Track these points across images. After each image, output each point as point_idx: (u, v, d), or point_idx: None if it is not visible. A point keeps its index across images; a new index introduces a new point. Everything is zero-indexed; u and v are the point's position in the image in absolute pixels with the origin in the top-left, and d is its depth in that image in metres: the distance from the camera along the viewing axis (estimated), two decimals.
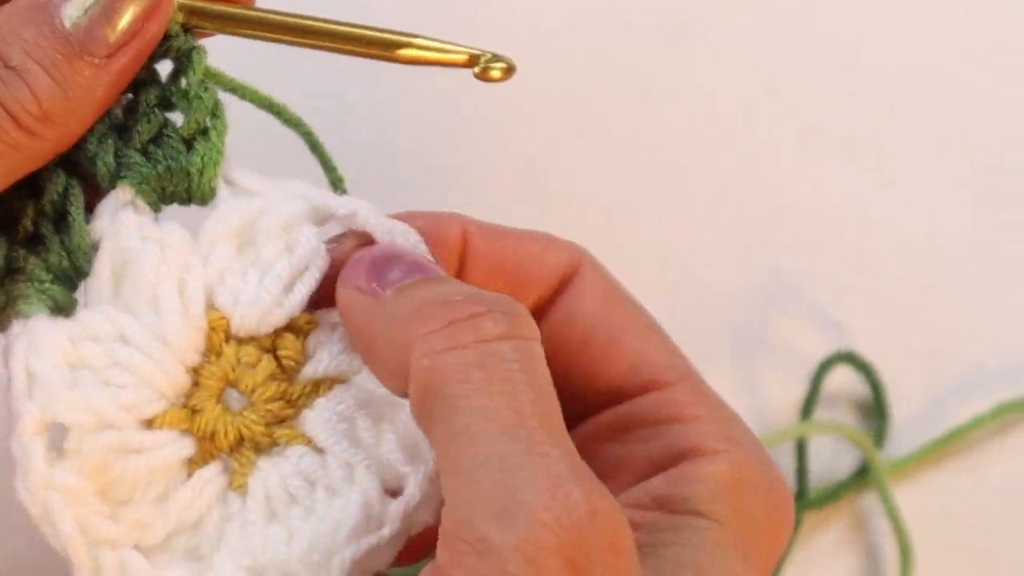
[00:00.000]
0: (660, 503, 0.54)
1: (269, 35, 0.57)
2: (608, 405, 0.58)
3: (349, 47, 0.57)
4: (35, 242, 0.56)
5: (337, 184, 0.59)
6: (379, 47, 0.57)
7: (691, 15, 0.83)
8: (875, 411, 0.77)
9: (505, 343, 0.50)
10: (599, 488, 0.48)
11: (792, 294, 0.79)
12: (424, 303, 0.51)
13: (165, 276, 0.55)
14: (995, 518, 0.76)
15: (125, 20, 0.54)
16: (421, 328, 0.50)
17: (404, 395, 0.51)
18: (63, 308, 0.56)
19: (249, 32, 0.57)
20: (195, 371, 0.55)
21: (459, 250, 0.58)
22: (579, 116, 0.81)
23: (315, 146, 0.59)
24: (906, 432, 0.77)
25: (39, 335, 0.54)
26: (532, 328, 0.51)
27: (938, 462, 0.76)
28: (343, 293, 0.54)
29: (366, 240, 0.56)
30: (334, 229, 0.58)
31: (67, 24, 0.54)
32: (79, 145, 0.56)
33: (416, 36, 0.57)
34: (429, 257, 0.55)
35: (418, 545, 0.55)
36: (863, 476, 0.76)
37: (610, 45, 0.83)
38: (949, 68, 0.83)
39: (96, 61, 0.54)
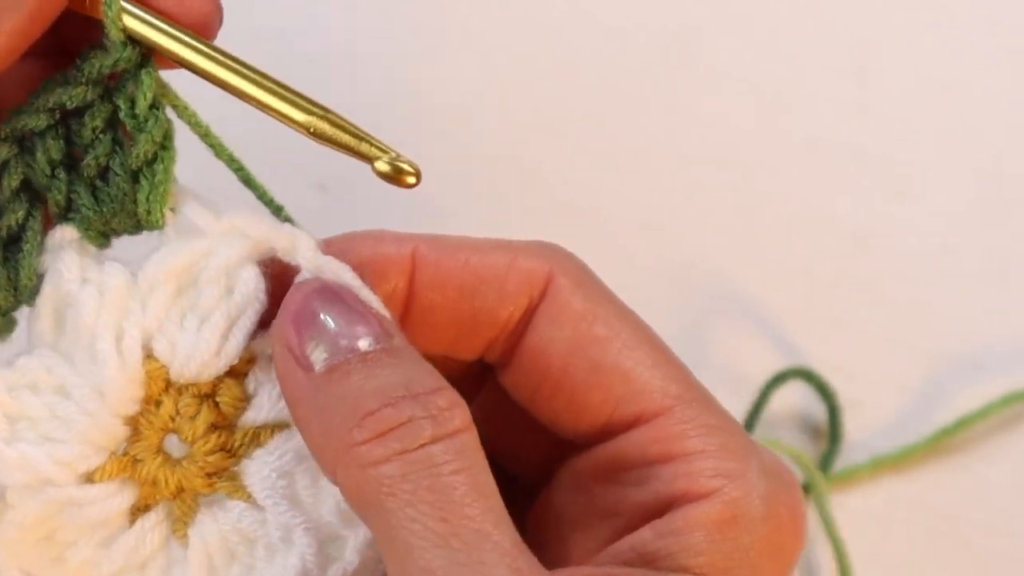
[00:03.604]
0: (647, 559, 0.51)
1: (192, 65, 0.54)
2: (599, 440, 0.55)
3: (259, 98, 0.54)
4: None
5: (278, 214, 0.57)
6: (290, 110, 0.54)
7: (700, 25, 0.82)
8: (829, 430, 0.76)
9: (435, 446, 0.49)
10: None
11: (804, 305, 0.78)
12: (352, 405, 0.50)
13: (103, 324, 0.54)
14: (943, 527, 0.76)
15: None
16: (347, 437, 0.49)
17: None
18: (2, 333, 0.55)
19: (175, 54, 0.55)
20: (134, 420, 0.54)
21: (407, 278, 0.55)
22: (585, 126, 0.80)
23: (249, 181, 0.57)
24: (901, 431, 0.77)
25: None
26: (461, 418, 0.50)
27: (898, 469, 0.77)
28: (276, 351, 0.53)
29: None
30: None
31: None
32: (35, 171, 0.54)
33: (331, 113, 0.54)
34: (370, 296, 0.53)
35: None
36: (805, 493, 0.76)
37: (618, 55, 0.81)
38: (958, 78, 0.82)
39: None
